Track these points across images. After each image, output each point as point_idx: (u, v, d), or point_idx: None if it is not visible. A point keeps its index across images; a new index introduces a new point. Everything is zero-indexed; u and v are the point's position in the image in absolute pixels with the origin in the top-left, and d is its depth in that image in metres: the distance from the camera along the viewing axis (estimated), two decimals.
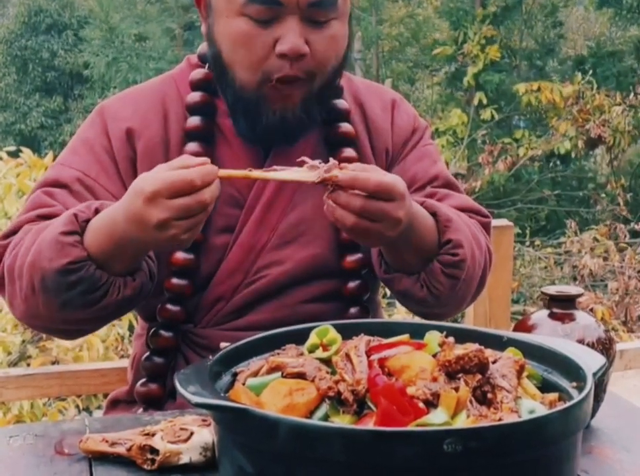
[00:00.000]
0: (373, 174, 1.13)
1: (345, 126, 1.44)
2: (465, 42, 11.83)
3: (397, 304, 3.73)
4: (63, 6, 15.95)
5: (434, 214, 1.31)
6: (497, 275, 2.00)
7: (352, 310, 1.42)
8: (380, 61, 14.08)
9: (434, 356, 0.96)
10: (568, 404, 0.87)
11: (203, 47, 1.44)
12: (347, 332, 1.04)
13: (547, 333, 1.17)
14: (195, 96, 1.41)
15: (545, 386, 0.99)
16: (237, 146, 1.41)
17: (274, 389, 0.93)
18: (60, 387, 1.95)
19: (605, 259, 7.14)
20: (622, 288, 6.41)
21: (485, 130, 11.09)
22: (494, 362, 0.96)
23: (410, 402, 0.88)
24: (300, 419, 0.86)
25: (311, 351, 1.02)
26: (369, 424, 0.88)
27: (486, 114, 11.21)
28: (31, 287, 1.23)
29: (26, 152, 3.68)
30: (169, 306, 1.39)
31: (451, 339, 0.96)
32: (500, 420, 0.86)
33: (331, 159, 1.14)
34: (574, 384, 0.95)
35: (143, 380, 1.41)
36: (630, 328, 5.92)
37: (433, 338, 1.02)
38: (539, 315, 1.23)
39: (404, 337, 1.05)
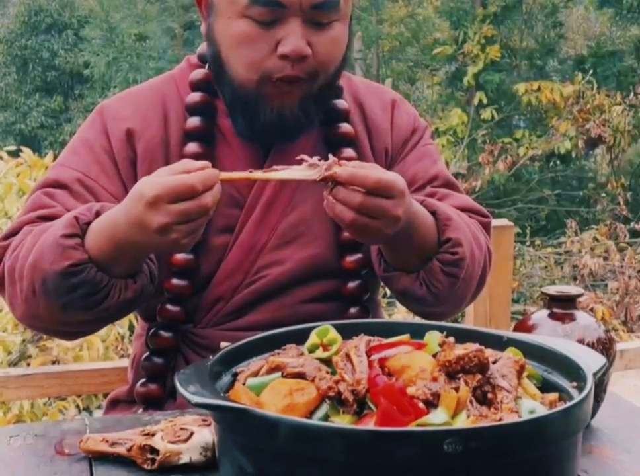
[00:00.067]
0: (372, 171, 1.13)
1: (345, 126, 1.44)
2: (465, 42, 11.84)
3: (397, 304, 3.73)
4: (63, 5, 15.95)
5: (433, 213, 1.31)
6: (497, 275, 2.00)
7: (352, 310, 1.42)
8: (380, 60, 14.08)
9: (434, 356, 0.96)
10: (568, 404, 0.87)
11: (203, 47, 1.44)
12: (347, 332, 1.04)
13: (547, 333, 1.17)
14: (195, 97, 1.41)
15: (545, 386, 0.99)
16: (237, 146, 1.41)
17: (274, 389, 0.93)
18: (60, 386, 1.95)
19: (605, 259, 7.14)
20: (622, 288, 6.41)
21: (485, 130, 11.09)
22: (494, 362, 0.96)
23: (410, 402, 0.88)
24: (300, 419, 0.86)
25: (311, 351, 1.02)
26: (369, 424, 0.88)
27: (486, 114, 11.22)
28: (32, 289, 1.23)
29: (26, 152, 3.68)
30: (169, 306, 1.39)
31: (451, 339, 0.96)
32: (500, 420, 0.86)
33: (330, 156, 1.14)
34: (575, 384, 0.95)
35: (143, 380, 1.41)
36: (630, 328, 5.92)
37: (433, 338, 1.02)
38: (539, 315, 1.23)
39: (405, 337, 1.05)
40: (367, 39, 13.51)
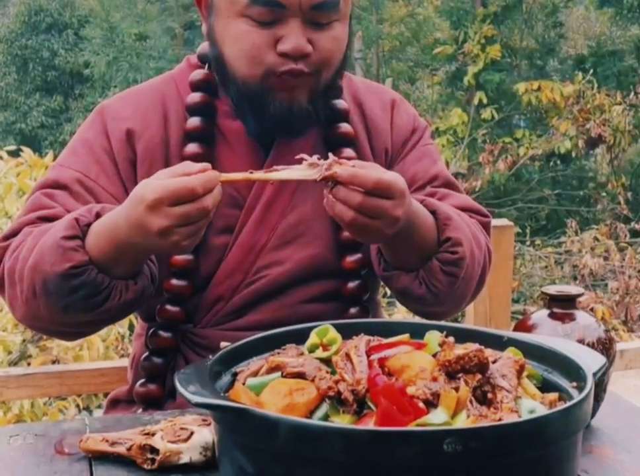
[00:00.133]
0: (372, 171, 1.13)
1: (344, 126, 1.43)
2: (465, 42, 11.84)
3: (397, 304, 3.73)
4: (63, 5, 15.96)
5: (433, 212, 1.31)
6: (497, 274, 2.00)
7: (352, 310, 1.42)
8: (380, 60, 14.08)
9: (434, 355, 0.96)
10: (568, 404, 0.87)
11: (203, 47, 1.44)
12: (347, 332, 1.04)
13: (547, 333, 1.17)
14: (195, 97, 1.41)
15: (545, 386, 0.99)
16: (237, 146, 1.41)
17: (274, 389, 0.93)
18: (60, 386, 1.95)
19: (605, 259, 7.14)
20: (622, 288, 6.41)
21: (485, 129, 11.09)
22: (494, 362, 0.96)
23: (410, 402, 0.88)
24: (300, 419, 0.86)
25: (311, 351, 1.02)
26: (369, 424, 0.88)
27: (486, 114, 11.22)
28: (32, 290, 1.23)
29: (27, 151, 3.69)
30: (169, 306, 1.39)
31: (451, 339, 0.96)
32: (500, 420, 0.86)
33: (331, 155, 1.14)
34: (574, 384, 0.95)
35: (142, 380, 1.41)
36: (630, 327, 5.92)
37: (433, 337, 1.02)
38: (539, 315, 1.23)
39: (405, 337, 1.05)
40: (368, 39, 13.51)
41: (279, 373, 0.98)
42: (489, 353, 0.96)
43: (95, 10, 14.88)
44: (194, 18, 13.99)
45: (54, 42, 15.73)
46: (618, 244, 7.48)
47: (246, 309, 1.39)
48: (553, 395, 0.95)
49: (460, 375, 0.92)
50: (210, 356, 0.99)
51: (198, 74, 1.42)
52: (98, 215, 1.22)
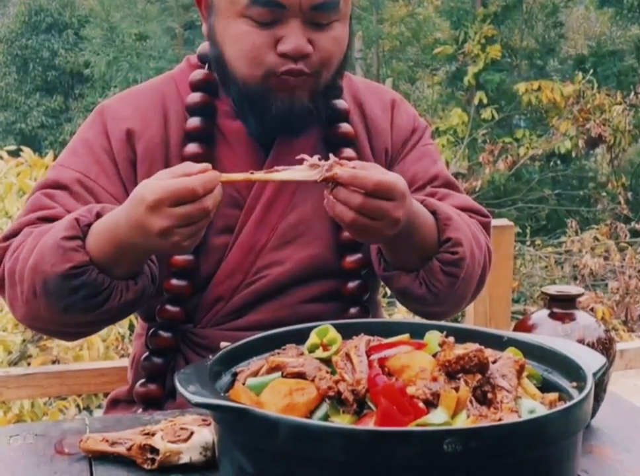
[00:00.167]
0: (373, 173, 1.13)
1: (344, 126, 1.43)
2: (465, 42, 11.84)
3: (398, 304, 3.73)
4: (63, 5, 15.95)
5: (433, 212, 1.31)
6: (497, 274, 2.00)
7: (352, 310, 1.42)
8: (381, 60, 14.08)
9: (434, 355, 0.96)
10: (568, 404, 0.87)
11: (203, 47, 1.44)
12: (347, 332, 1.04)
13: (547, 333, 1.17)
14: (195, 97, 1.41)
15: (545, 386, 0.99)
16: (237, 146, 1.41)
17: (274, 389, 0.93)
18: (60, 386, 1.95)
19: (605, 258, 7.14)
20: (622, 288, 6.41)
21: (486, 129, 11.09)
22: (494, 362, 0.96)
23: (410, 402, 0.88)
24: (300, 419, 0.86)
25: (311, 351, 1.02)
26: (369, 424, 0.88)
27: (486, 114, 11.22)
28: (32, 290, 1.23)
29: (27, 151, 3.69)
30: (169, 307, 1.39)
31: (451, 339, 0.96)
32: (500, 420, 0.86)
33: (332, 156, 1.14)
34: (575, 384, 0.95)
35: (143, 380, 1.41)
36: (630, 327, 5.92)
37: (433, 337, 1.02)
38: (540, 315, 1.23)
39: (405, 337, 1.05)
40: (368, 39, 13.51)
41: (279, 373, 0.98)
42: (489, 353, 0.96)
43: (95, 10, 14.88)
44: (194, 18, 13.98)
45: (54, 42, 15.73)
46: (618, 244, 7.48)
47: (246, 309, 1.39)
48: (553, 395, 0.95)
49: (460, 375, 0.92)
50: (210, 356, 0.99)
51: (198, 74, 1.42)
52: (98, 215, 1.22)
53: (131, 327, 3.19)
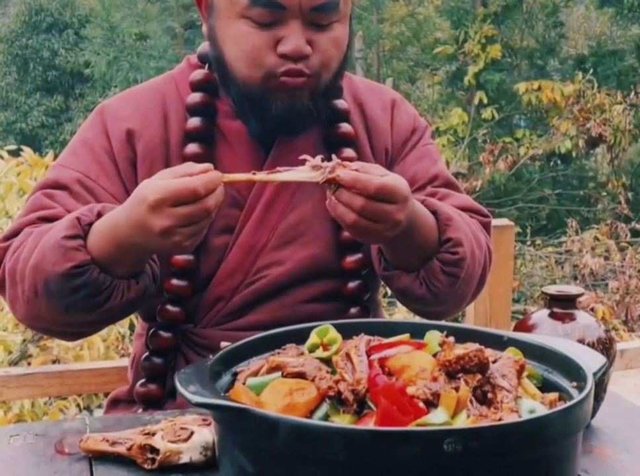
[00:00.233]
0: (375, 175, 1.13)
1: (345, 126, 1.43)
2: (465, 41, 11.83)
3: (398, 303, 3.73)
4: (64, 5, 15.95)
5: (434, 213, 1.31)
6: (498, 274, 2.00)
7: (352, 310, 1.42)
8: (381, 60, 14.07)
9: (434, 355, 0.96)
10: (568, 404, 0.87)
11: (203, 47, 1.44)
12: (347, 332, 1.04)
13: (548, 333, 1.17)
14: (195, 97, 1.41)
15: (545, 386, 0.99)
16: (238, 147, 1.41)
17: (274, 389, 0.93)
18: (61, 386, 1.95)
19: (606, 258, 7.14)
20: (623, 287, 6.41)
21: (486, 129, 11.09)
22: (494, 362, 0.96)
23: (411, 402, 0.88)
24: (300, 419, 0.86)
25: (311, 350, 1.02)
26: (369, 424, 0.88)
27: (486, 113, 11.21)
28: (33, 290, 1.23)
29: (27, 151, 3.69)
30: (169, 307, 1.39)
31: (451, 339, 0.96)
32: (500, 420, 0.86)
33: (334, 157, 1.13)
34: (575, 384, 0.95)
35: (143, 380, 1.41)
36: (631, 327, 5.92)
37: (433, 337, 1.02)
38: (540, 315, 1.23)
39: (405, 337, 1.05)
40: (368, 39, 13.50)
41: (279, 373, 0.98)
42: (489, 353, 0.96)
43: (95, 9, 14.87)
44: (194, 18, 13.98)
45: (55, 42, 15.73)
46: (618, 244, 7.48)
47: (247, 309, 1.39)
48: (553, 395, 0.95)
49: (460, 375, 0.92)
50: (210, 356, 0.99)
51: (198, 74, 1.42)
52: (99, 215, 1.22)
53: (132, 327, 3.19)
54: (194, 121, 1.39)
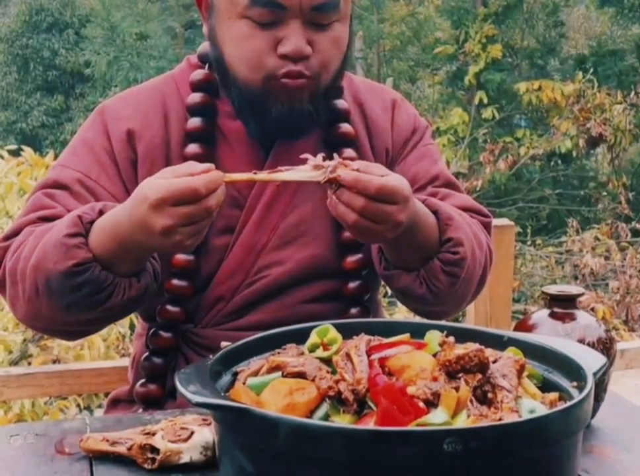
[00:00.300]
0: (376, 175, 1.13)
1: (345, 126, 1.43)
2: (466, 41, 11.83)
3: (398, 303, 3.73)
4: (64, 4, 15.95)
5: (435, 212, 1.31)
6: (498, 274, 2.00)
7: (353, 310, 1.42)
8: (381, 60, 14.07)
9: (435, 355, 0.96)
10: (568, 404, 0.87)
11: (203, 47, 1.44)
12: (347, 332, 1.04)
13: (548, 333, 1.17)
14: (195, 97, 1.41)
15: (546, 386, 0.99)
16: (238, 147, 1.41)
17: (275, 389, 0.93)
18: (61, 386, 1.95)
19: (606, 258, 7.14)
20: (623, 287, 6.41)
21: (486, 129, 11.09)
22: (494, 362, 0.96)
23: (411, 402, 0.88)
24: (300, 419, 0.86)
25: (311, 350, 1.02)
26: (369, 424, 0.88)
27: (487, 113, 11.21)
28: (35, 289, 1.23)
29: (27, 151, 3.69)
30: (169, 307, 1.39)
31: (451, 339, 0.96)
32: (500, 419, 0.86)
33: (336, 156, 1.13)
34: (575, 384, 0.95)
35: (143, 380, 1.41)
36: (631, 327, 5.93)
37: (433, 337, 1.02)
38: (540, 315, 1.23)
39: (405, 337, 1.05)
40: (369, 39, 13.50)
41: (279, 373, 0.98)
42: (489, 353, 0.96)
43: (96, 9, 14.87)
44: (195, 18, 13.98)
45: (55, 42, 15.73)
46: (619, 244, 7.48)
47: (247, 309, 1.39)
48: (554, 395, 0.95)
49: (460, 375, 0.92)
50: (211, 356, 0.99)
51: (199, 74, 1.42)
52: (101, 213, 1.22)
53: (132, 327, 3.19)
54: (195, 122, 1.39)
